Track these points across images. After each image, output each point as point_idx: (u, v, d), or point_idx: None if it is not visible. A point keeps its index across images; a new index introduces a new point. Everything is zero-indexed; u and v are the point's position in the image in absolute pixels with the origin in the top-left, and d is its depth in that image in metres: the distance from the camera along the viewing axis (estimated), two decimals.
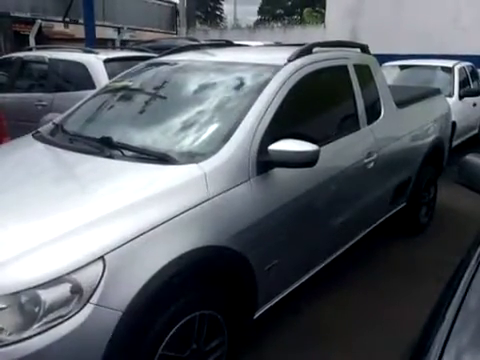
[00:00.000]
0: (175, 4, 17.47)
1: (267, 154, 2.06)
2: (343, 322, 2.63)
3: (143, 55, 4.96)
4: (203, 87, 2.58)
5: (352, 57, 3.10)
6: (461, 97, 6.53)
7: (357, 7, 10.06)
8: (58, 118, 2.83)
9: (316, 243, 2.59)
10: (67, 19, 13.21)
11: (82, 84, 4.80)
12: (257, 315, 2.20)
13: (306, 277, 2.55)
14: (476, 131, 7.63)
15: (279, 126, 2.21)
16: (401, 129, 3.42)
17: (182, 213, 1.76)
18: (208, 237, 1.82)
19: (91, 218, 1.65)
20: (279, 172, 2.15)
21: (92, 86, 4.56)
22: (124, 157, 2.08)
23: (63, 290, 1.46)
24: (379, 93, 3.24)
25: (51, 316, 1.44)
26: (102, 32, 12.92)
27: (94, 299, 1.49)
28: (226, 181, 1.96)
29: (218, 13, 32.16)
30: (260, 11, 31.76)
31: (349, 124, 2.91)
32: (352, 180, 2.78)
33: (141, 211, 1.71)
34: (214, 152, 2.01)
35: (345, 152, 2.74)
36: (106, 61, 4.90)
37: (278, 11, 30.21)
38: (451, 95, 6.30)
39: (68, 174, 2.19)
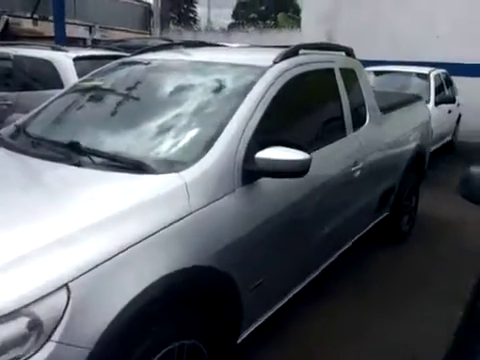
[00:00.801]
0: (149, 4, 17.14)
1: (254, 163, 1.88)
2: (331, 332, 2.54)
3: (115, 54, 4.78)
4: (182, 88, 2.37)
5: (338, 60, 2.97)
6: (437, 104, 6.55)
7: (333, 12, 10.05)
8: (20, 119, 2.56)
9: (304, 257, 2.43)
10: (36, 16, 12.69)
11: (50, 83, 4.59)
12: (241, 339, 2.01)
13: (292, 294, 2.39)
14: (450, 138, 7.71)
15: (266, 132, 2.04)
16: (386, 135, 3.32)
17: (160, 230, 1.55)
18: (190, 257, 1.61)
19: (51, 239, 1.40)
20: (266, 182, 1.97)
21: (60, 85, 4.32)
22: (94, 165, 1.84)
23: (18, 326, 1.23)
24: (364, 98, 3.12)
25: (2, 359, 1.21)
26: (73, 30, 12.51)
27: (56, 336, 1.26)
28: (209, 192, 1.76)
29: (192, 15, 31.94)
30: (234, 15, 31.73)
31: (336, 130, 2.77)
32: (340, 189, 2.64)
33: (113, 229, 1.48)
34: (196, 160, 1.81)
35: (332, 160, 2.59)
36: (76, 59, 4.69)
37: (252, 15, 30.26)
38: (427, 102, 6.30)
39: (26, 185, 1.89)
